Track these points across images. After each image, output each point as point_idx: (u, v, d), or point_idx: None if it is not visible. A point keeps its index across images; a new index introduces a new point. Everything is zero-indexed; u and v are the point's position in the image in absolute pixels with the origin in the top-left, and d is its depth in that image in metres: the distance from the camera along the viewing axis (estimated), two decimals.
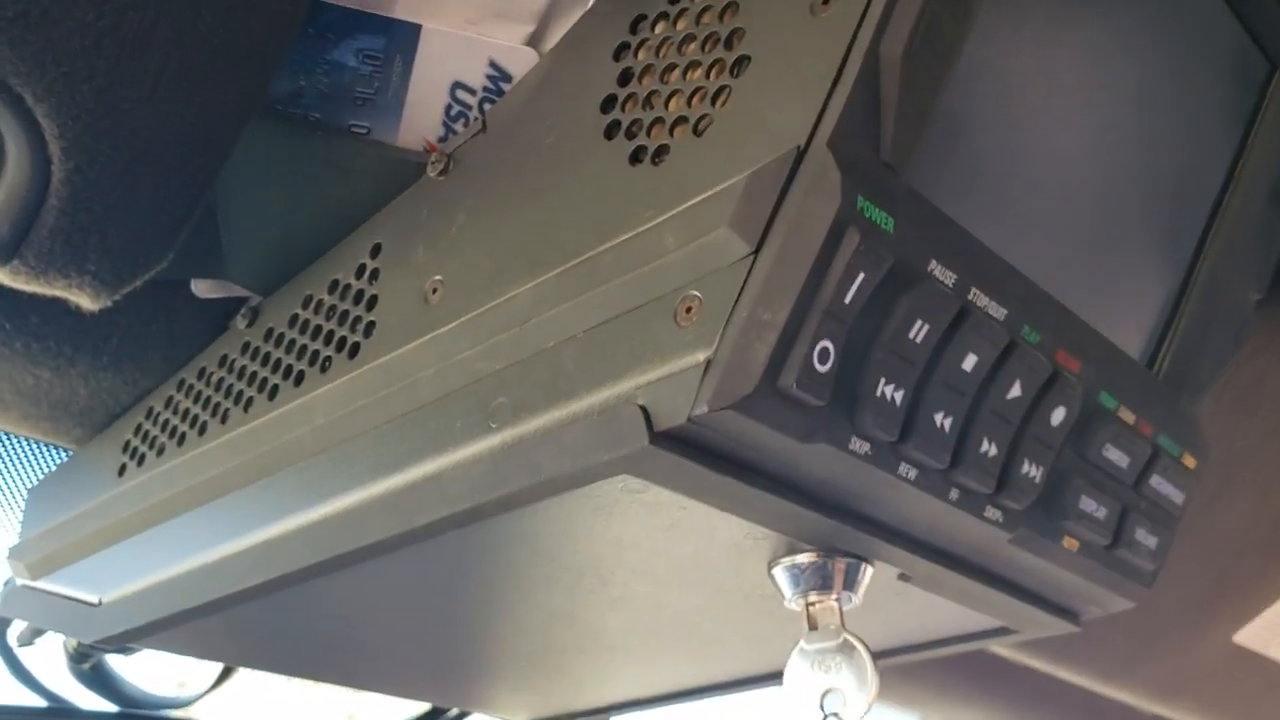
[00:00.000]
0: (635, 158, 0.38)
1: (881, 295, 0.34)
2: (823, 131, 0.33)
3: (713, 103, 0.36)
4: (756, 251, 0.33)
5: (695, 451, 0.34)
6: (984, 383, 0.38)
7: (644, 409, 0.34)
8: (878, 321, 0.35)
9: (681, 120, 0.37)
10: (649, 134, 0.38)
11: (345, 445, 0.43)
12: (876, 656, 0.43)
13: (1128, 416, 0.44)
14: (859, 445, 0.35)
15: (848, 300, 0.33)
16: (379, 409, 0.42)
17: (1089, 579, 0.46)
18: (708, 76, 0.37)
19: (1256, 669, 0.94)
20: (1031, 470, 0.40)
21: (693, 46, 0.38)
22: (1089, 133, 0.42)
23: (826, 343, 0.33)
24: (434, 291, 0.42)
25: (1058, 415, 0.40)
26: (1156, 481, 0.46)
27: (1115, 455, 0.43)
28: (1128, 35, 0.42)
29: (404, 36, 0.42)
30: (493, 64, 0.43)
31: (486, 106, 0.45)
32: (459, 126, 0.45)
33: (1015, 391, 0.39)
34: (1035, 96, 0.40)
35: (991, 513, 0.40)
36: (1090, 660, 0.91)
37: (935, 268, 0.35)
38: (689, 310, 0.34)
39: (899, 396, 0.35)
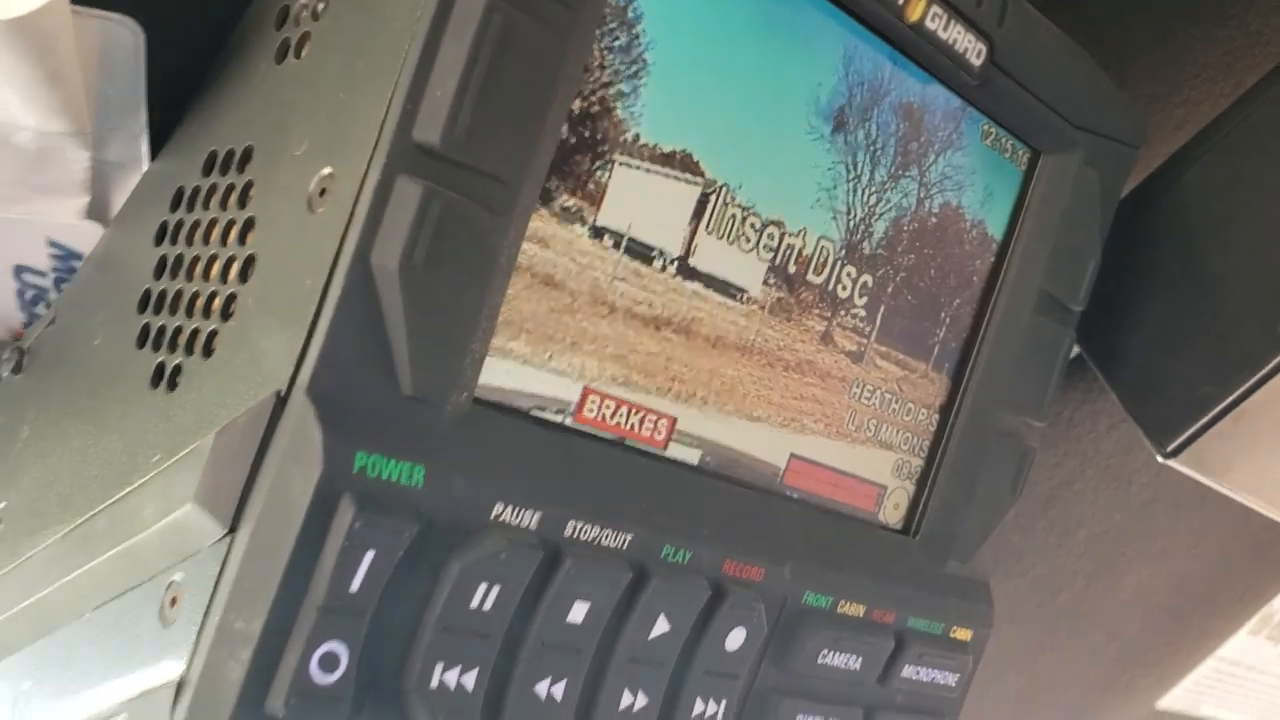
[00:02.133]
0: (157, 377, 0.30)
1: (423, 563, 0.27)
2: (305, 370, 0.25)
3: (223, 315, 0.29)
4: (232, 534, 0.25)
5: None
6: (607, 630, 0.30)
7: None
8: (425, 595, 0.27)
9: (196, 333, 0.29)
10: (171, 347, 0.30)
11: None
12: None
13: (852, 610, 0.36)
14: None
15: (355, 589, 0.25)
16: None
17: None
18: (223, 278, 0.29)
19: None
20: (709, 708, 0.33)
21: (216, 234, 0.30)
22: None
23: (331, 646, 0.25)
24: None
25: (735, 639, 0.33)
26: (911, 671, 0.38)
27: (840, 659, 0.36)
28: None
29: None
30: (53, 243, 0.36)
31: (64, 287, 0.37)
32: (41, 310, 0.38)
33: (661, 628, 0.31)
34: None
35: None
36: None
37: (504, 511, 0.28)
38: (174, 602, 0.26)
39: (470, 679, 0.28)
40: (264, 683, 0.25)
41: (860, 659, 0.36)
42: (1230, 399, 0.41)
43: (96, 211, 0.35)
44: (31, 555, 0.32)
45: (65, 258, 0.36)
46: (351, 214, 0.26)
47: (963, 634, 0.39)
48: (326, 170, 0.27)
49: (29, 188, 0.34)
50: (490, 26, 0.26)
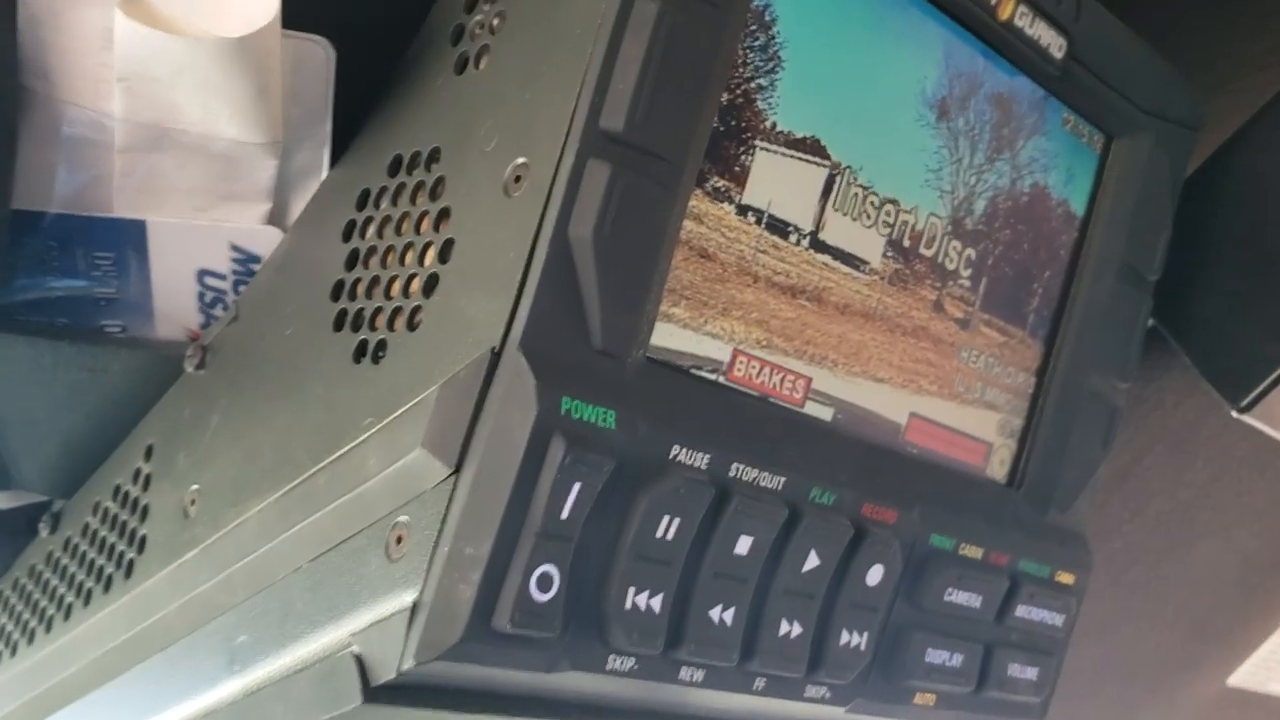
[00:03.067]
0: (360, 353, 0.34)
1: (615, 498, 0.30)
2: (516, 329, 0.29)
3: (425, 292, 0.33)
4: (456, 473, 0.29)
5: (430, 697, 0.30)
6: (767, 563, 0.33)
7: (360, 660, 0.30)
8: (617, 527, 0.31)
9: (398, 311, 0.33)
10: (372, 326, 0.34)
11: (115, 682, 0.40)
12: None
13: (972, 552, 0.39)
14: (620, 663, 0.31)
15: (565, 516, 0.29)
16: (142, 642, 0.39)
17: None
18: (421, 261, 0.33)
19: (1258, 708, 0.89)
20: (852, 639, 0.36)
21: (411, 226, 0.34)
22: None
23: (546, 568, 0.29)
24: (192, 504, 0.39)
25: (874, 575, 0.36)
26: (1024, 611, 0.41)
27: (963, 597, 0.39)
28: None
29: (131, 233, 0.39)
30: (235, 247, 0.40)
31: (242, 289, 0.41)
32: (218, 312, 0.42)
33: (812, 562, 0.34)
34: None
35: (814, 691, 0.36)
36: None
37: (680, 453, 0.31)
38: (400, 540, 0.30)
39: (657, 603, 0.31)
40: (491, 601, 0.29)
41: (980, 597, 0.40)
42: None
43: (276, 217, 0.39)
44: (242, 521, 0.35)
45: (245, 261, 0.40)
46: (549, 194, 0.29)
47: (1066, 578, 0.43)
48: (520, 160, 0.31)
49: (217, 195, 0.38)
50: (661, 29, 0.30)
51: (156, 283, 0.40)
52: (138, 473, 0.43)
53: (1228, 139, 0.49)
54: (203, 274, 0.41)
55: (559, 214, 0.29)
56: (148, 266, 0.40)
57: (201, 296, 0.41)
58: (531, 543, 0.29)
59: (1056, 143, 0.42)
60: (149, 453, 0.42)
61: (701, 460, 0.32)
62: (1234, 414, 0.47)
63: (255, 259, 0.40)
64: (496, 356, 0.29)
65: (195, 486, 0.39)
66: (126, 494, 0.43)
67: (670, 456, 0.31)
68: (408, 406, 0.31)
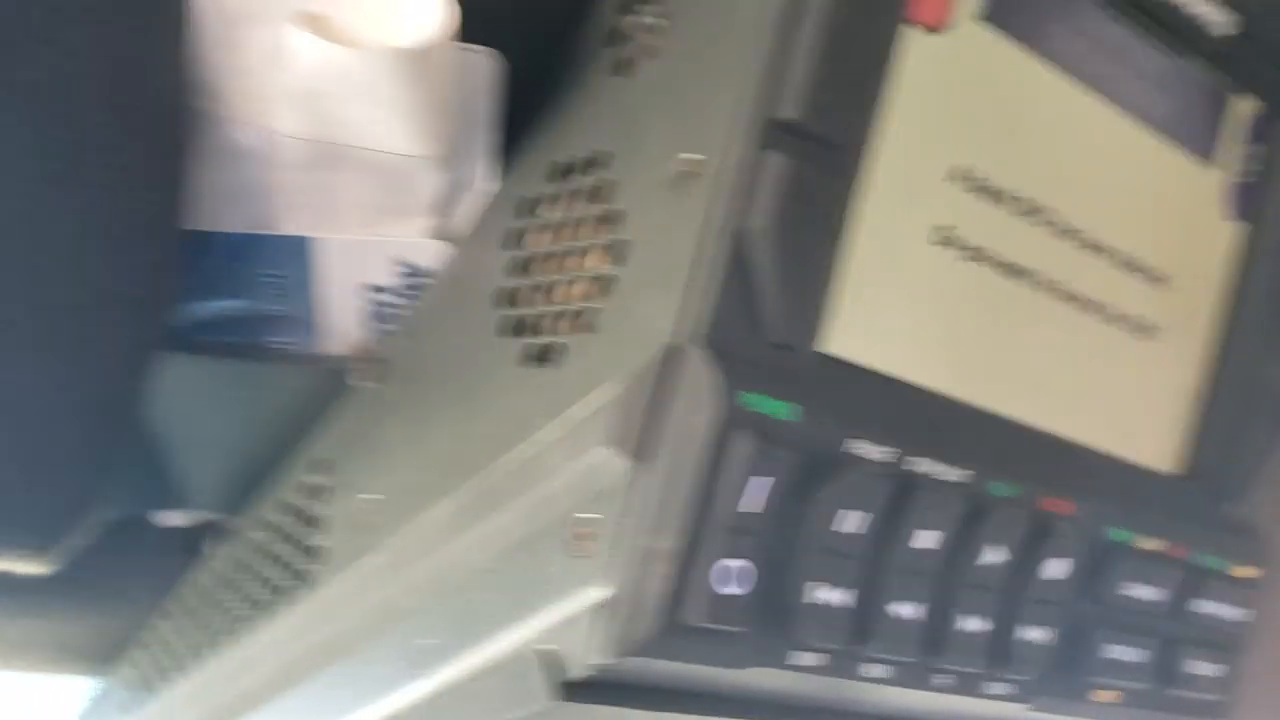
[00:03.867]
0: (528, 357, 0.34)
1: (800, 491, 0.30)
2: (694, 325, 0.29)
3: (596, 294, 0.33)
4: (640, 469, 0.29)
5: (618, 694, 0.30)
6: (950, 558, 0.33)
7: (548, 657, 0.30)
8: (798, 521, 0.30)
9: (570, 314, 0.34)
10: (542, 330, 0.34)
11: (293, 691, 0.40)
12: None
13: (1150, 545, 0.38)
14: (803, 659, 0.31)
15: (749, 510, 0.29)
16: (326, 650, 0.40)
17: None
18: (590, 264, 0.34)
19: None
20: (1035, 634, 0.35)
21: (577, 230, 0.35)
22: None
23: (733, 561, 0.29)
24: (366, 513, 0.40)
25: (1055, 568, 0.35)
26: (1203, 605, 0.40)
27: (1141, 591, 0.38)
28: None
29: (298, 250, 0.40)
30: (400, 261, 0.40)
31: (405, 302, 0.42)
32: (382, 326, 0.42)
33: (993, 556, 0.34)
34: None
35: (997, 688, 0.35)
36: None
37: (860, 446, 0.31)
38: (584, 537, 0.30)
39: (841, 597, 0.31)
40: (680, 595, 0.29)
41: (1157, 591, 0.39)
42: None
43: (439, 230, 0.40)
44: (419, 527, 0.36)
45: (409, 274, 0.41)
46: (724, 189, 0.30)
47: (1244, 571, 0.42)
48: (691, 156, 0.31)
49: (382, 210, 0.39)
50: (834, 16, 0.30)
51: (322, 298, 0.41)
52: (308, 486, 0.44)
53: None
54: (367, 288, 0.41)
55: (735, 208, 0.29)
56: (314, 282, 0.41)
57: (366, 311, 0.42)
58: (718, 536, 0.29)
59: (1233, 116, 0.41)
60: (318, 466, 0.43)
61: (881, 454, 0.31)
62: None
63: (419, 272, 0.41)
64: (675, 353, 0.29)
65: (368, 496, 0.40)
66: (297, 507, 0.44)
67: (850, 450, 0.31)
68: (587, 404, 0.31)
